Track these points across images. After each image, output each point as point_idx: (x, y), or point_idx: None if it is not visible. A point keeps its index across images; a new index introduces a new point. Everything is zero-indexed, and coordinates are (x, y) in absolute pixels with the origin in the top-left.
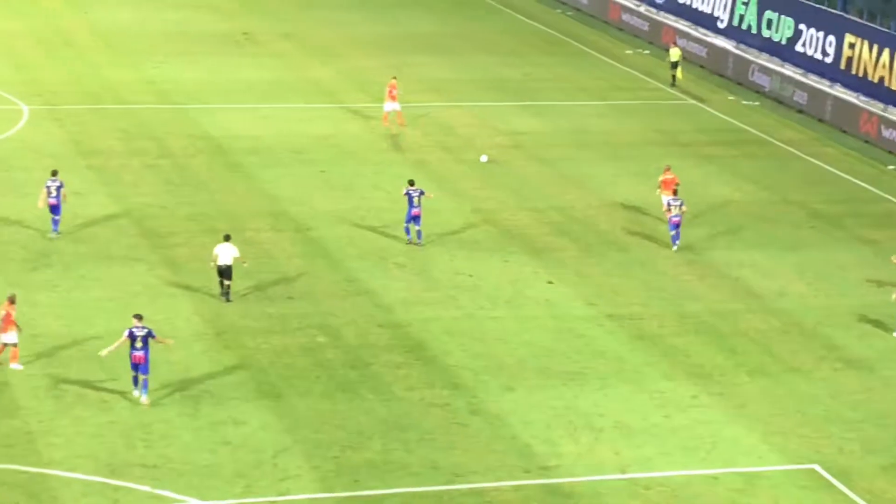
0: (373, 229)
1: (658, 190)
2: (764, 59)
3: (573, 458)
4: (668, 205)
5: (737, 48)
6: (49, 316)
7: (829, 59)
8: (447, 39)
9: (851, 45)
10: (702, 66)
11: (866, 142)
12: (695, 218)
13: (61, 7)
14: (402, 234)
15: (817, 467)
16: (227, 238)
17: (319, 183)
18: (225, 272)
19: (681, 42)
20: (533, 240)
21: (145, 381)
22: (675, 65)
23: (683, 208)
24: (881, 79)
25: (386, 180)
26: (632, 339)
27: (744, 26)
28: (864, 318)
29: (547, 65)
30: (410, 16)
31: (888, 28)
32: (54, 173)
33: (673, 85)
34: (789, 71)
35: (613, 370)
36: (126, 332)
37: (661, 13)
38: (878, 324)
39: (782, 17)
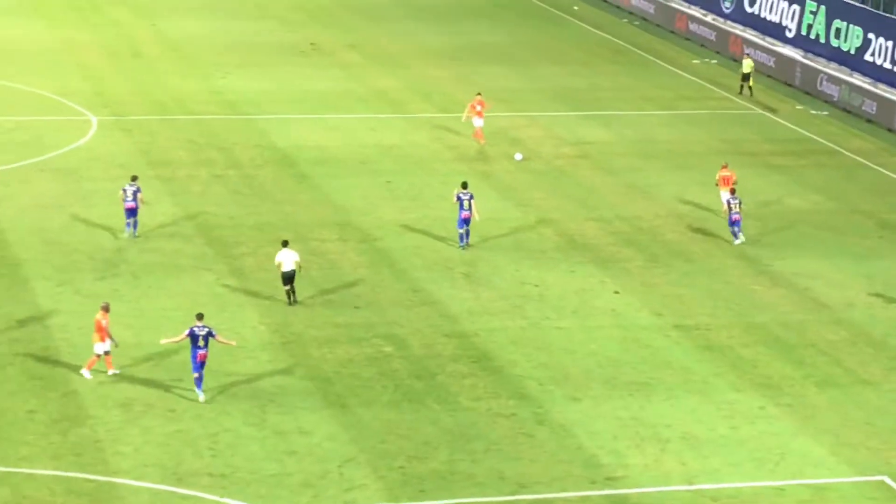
0: (439, 239)
1: (716, 186)
2: (832, 69)
3: (639, 469)
4: (728, 203)
5: (805, 57)
6: (117, 325)
7: None
8: (514, 49)
9: None
10: (769, 76)
11: None
12: (762, 228)
13: (129, 18)
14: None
15: (887, 479)
16: (285, 244)
17: (385, 193)
18: (290, 277)
19: (748, 51)
20: (599, 249)
21: (200, 378)
22: (746, 76)
23: (742, 206)
24: None
25: (452, 190)
26: (699, 349)
27: (812, 35)
28: None
29: (613, 74)
30: (477, 26)
31: None
32: (134, 178)
33: (741, 93)
34: (858, 80)
35: (680, 381)
36: (187, 331)
37: (729, 22)
38: None
39: (851, 26)
